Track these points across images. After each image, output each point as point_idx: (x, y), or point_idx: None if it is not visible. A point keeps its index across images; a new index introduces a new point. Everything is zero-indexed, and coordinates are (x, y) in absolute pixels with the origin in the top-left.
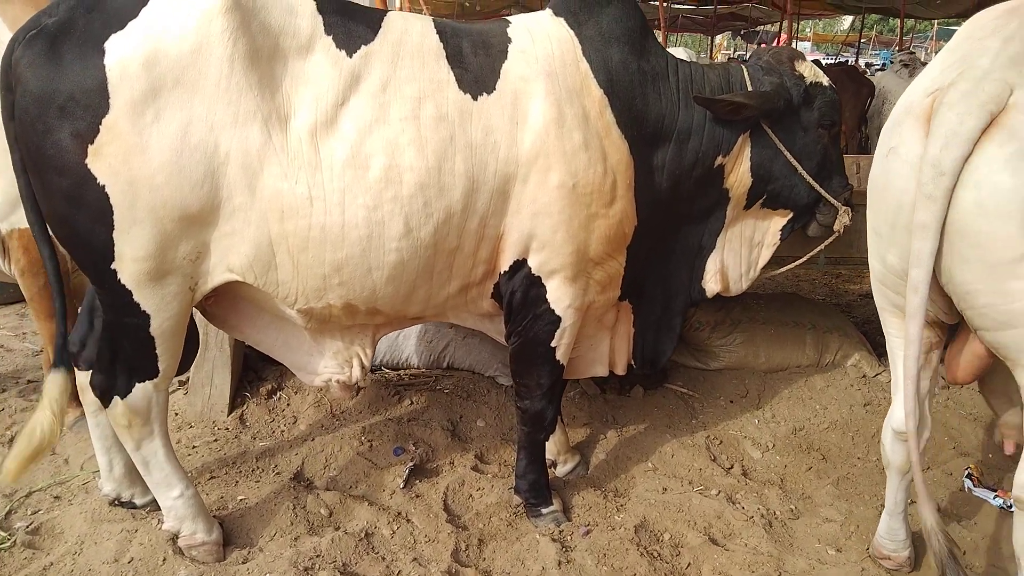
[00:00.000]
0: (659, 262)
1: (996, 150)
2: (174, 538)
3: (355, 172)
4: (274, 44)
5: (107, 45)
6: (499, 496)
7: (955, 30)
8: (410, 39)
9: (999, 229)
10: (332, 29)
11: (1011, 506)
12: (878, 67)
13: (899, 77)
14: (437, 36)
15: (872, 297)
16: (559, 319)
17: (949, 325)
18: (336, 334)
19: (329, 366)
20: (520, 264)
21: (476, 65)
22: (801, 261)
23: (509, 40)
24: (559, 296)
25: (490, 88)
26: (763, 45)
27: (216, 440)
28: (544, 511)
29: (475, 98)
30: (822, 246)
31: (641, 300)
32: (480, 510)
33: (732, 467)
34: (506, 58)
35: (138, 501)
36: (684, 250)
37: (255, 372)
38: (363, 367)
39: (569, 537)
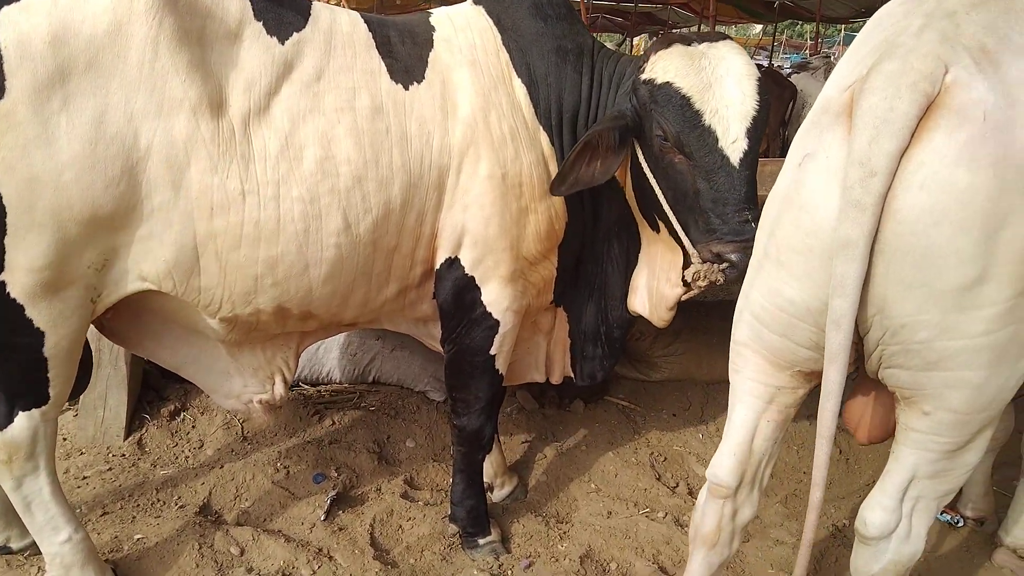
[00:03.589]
0: (592, 271)
1: (945, 140)
2: None
3: (290, 164)
4: (201, 27)
5: (1, 18)
6: (432, 526)
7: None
8: (340, 28)
9: (954, 243)
10: (262, 15)
11: (958, 522)
12: (788, 70)
13: (816, 79)
14: (365, 26)
15: None
16: (497, 323)
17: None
18: (257, 347)
19: (250, 385)
20: (453, 262)
21: (404, 55)
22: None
23: (433, 29)
24: (496, 299)
25: (419, 78)
26: None
27: (110, 469)
28: (481, 542)
29: (406, 88)
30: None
31: (576, 306)
32: (411, 543)
33: (678, 486)
34: (432, 47)
35: (14, 545)
36: (615, 261)
37: (155, 391)
38: (286, 383)
39: (509, 571)
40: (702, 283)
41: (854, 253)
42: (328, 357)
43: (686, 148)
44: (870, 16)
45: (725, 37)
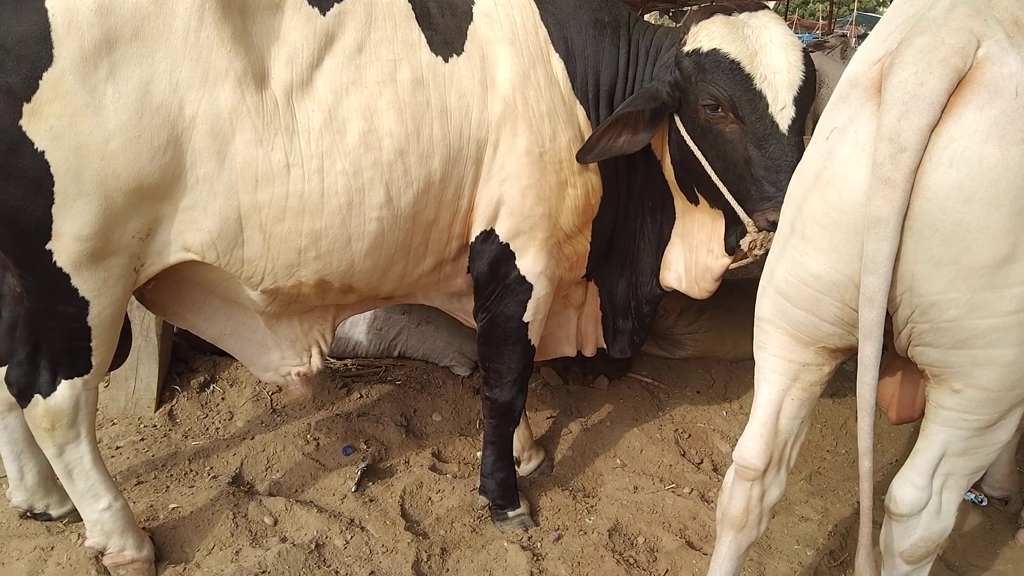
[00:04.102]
0: (624, 243)
1: (976, 115)
2: (98, 556)
3: (334, 137)
4: None
5: None
6: (461, 499)
7: (875, 16)
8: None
9: (983, 220)
10: None
11: (981, 501)
12: None
13: (833, 60)
14: None
15: None
16: (531, 288)
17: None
18: (294, 319)
19: (287, 357)
20: (489, 234)
21: (444, 27)
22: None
23: (472, 2)
24: (531, 264)
25: (459, 50)
26: None
27: (143, 439)
28: (511, 514)
29: (446, 60)
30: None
31: (608, 280)
32: (440, 515)
33: (702, 462)
34: (471, 20)
35: (54, 513)
36: (647, 236)
37: (185, 363)
38: (322, 355)
39: (539, 544)
40: (758, 251)
41: (885, 231)
42: (355, 331)
43: (740, 112)
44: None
45: (763, 6)
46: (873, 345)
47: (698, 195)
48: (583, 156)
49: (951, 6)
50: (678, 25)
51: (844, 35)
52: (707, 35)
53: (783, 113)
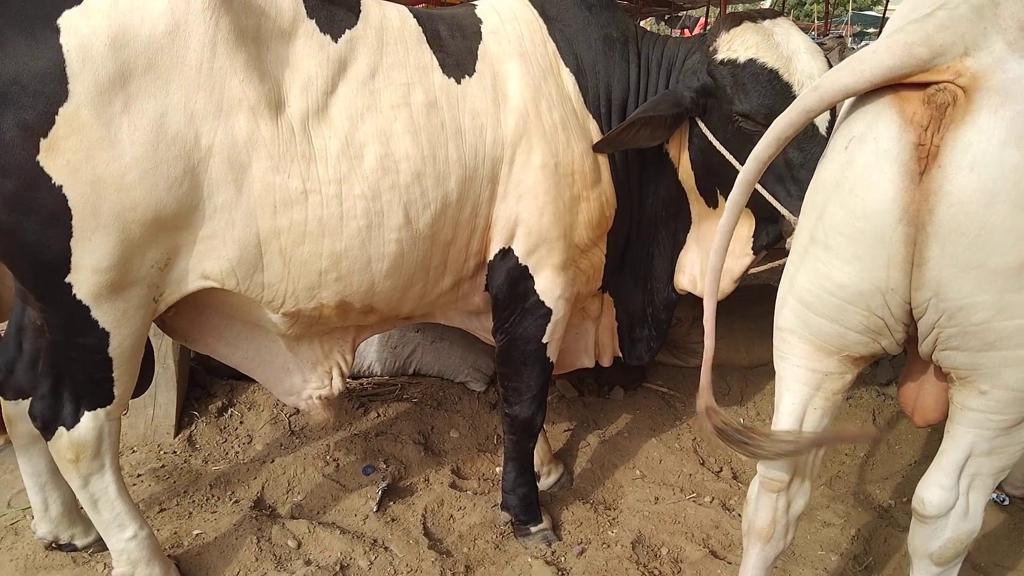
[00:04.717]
0: (637, 254)
1: (990, 119)
2: None
3: (351, 163)
4: (256, 25)
5: (62, 22)
6: (482, 515)
7: (869, 14)
8: (391, 24)
9: (1008, 222)
10: (314, 12)
11: (1004, 500)
12: None
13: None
14: (415, 20)
15: None
16: (550, 312)
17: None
18: (315, 341)
19: (309, 380)
20: (507, 252)
21: (455, 48)
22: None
23: (480, 22)
24: (549, 287)
25: (471, 71)
26: (685, 31)
27: (163, 466)
28: (533, 529)
29: (459, 82)
30: (763, 267)
31: (622, 291)
32: (463, 532)
33: (722, 470)
34: (481, 39)
35: (79, 543)
36: (660, 243)
37: (203, 388)
38: (343, 376)
39: (563, 558)
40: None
41: (814, 92)
42: (369, 350)
43: (756, 116)
44: None
45: (779, 14)
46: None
47: (719, 199)
48: (599, 146)
49: (955, 6)
50: (693, 34)
51: (840, 36)
52: (741, 44)
53: (821, 116)
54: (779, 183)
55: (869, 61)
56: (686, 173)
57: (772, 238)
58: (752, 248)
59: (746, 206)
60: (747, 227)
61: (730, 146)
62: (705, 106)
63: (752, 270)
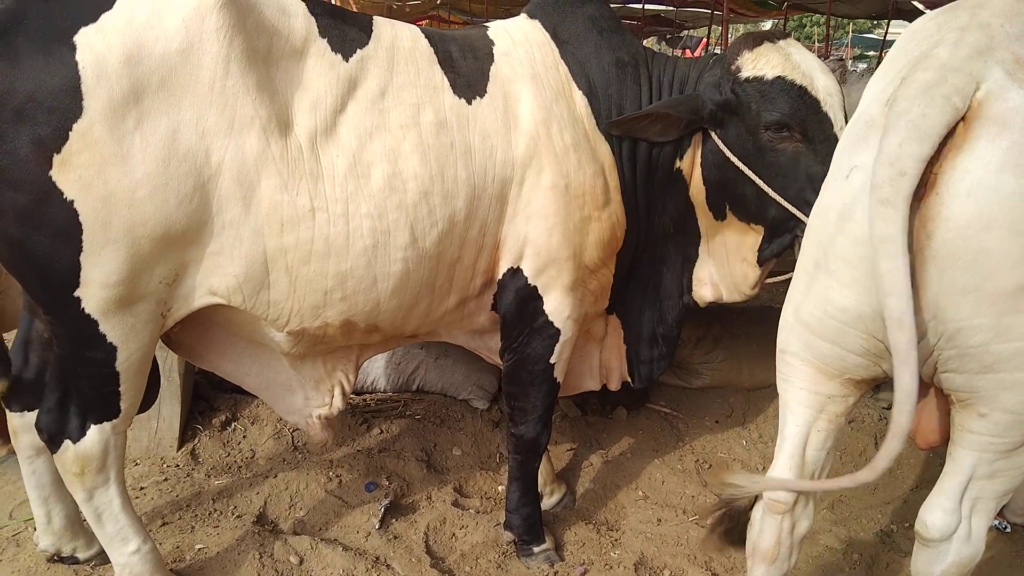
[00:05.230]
0: (645, 272)
1: (988, 147)
2: None
3: (358, 182)
4: (268, 45)
5: (78, 39)
6: (484, 534)
7: (869, 37)
8: (402, 44)
9: (1004, 247)
10: (327, 32)
11: (1005, 527)
12: None
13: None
14: (427, 41)
15: None
16: (558, 332)
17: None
18: (318, 360)
19: (311, 398)
20: (516, 272)
21: (466, 69)
22: (782, 278)
23: (492, 43)
24: (557, 308)
25: (482, 92)
26: (686, 51)
27: (166, 479)
28: (536, 550)
29: (469, 102)
30: (779, 278)
31: (630, 313)
32: (465, 551)
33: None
34: (492, 61)
35: (81, 555)
36: (668, 260)
37: (207, 401)
38: (344, 395)
39: None
40: None
41: (893, 248)
42: (373, 366)
43: (809, 133)
44: (880, 19)
45: (788, 34)
46: (909, 370)
47: (727, 212)
48: (612, 125)
49: (955, 46)
50: (695, 54)
51: (841, 59)
52: (767, 63)
53: (840, 132)
54: (800, 194)
55: (926, 126)
56: (697, 188)
57: (778, 251)
58: (759, 259)
59: (746, 222)
60: (751, 238)
61: (748, 161)
62: (722, 121)
63: (770, 280)
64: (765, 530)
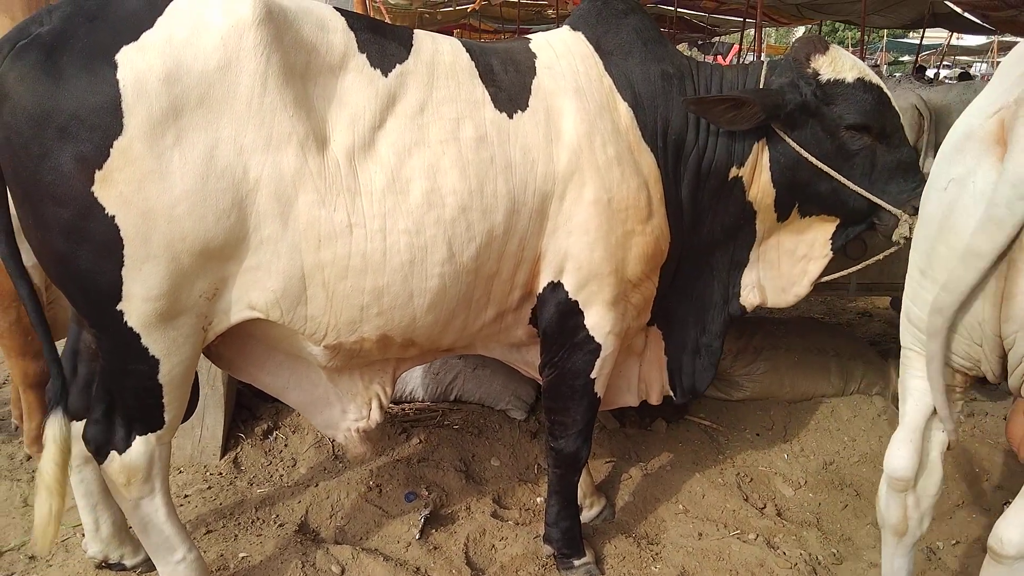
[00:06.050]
0: (688, 282)
1: None
2: None
3: (396, 198)
4: (306, 61)
5: (119, 58)
6: (524, 546)
7: (904, 42)
8: (443, 58)
9: None
10: (366, 47)
11: None
12: None
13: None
14: (468, 55)
15: (871, 316)
16: (599, 347)
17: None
18: (355, 373)
19: (349, 412)
20: (556, 286)
21: (508, 83)
22: (838, 275)
23: (534, 56)
24: (598, 322)
25: (523, 106)
26: (718, 57)
27: (209, 487)
28: (576, 563)
29: (511, 116)
30: (876, 257)
31: (672, 324)
32: (505, 563)
33: (765, 507)
34: (535, 74)
35: (128, 562)
36: (714, 268)
37: (249, 410)
38: (381, 408)
39: None
40: (906, 233)
41: (978, 264)
42: (411, 376)
43: (887, 128)
44: (916, 28)
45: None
46: (938, 341)
47: (793, 212)
48: (688, 104)
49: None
50: (728, 61)
51: (876, 64)
52: (843, 65)
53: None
54: (879, 183)
55: None
56: (762, 192)
57: (849, 238)
58: (832, 248)
59: (811, 216)
60: (814, 234)
61: (834, 158)
62: (796, 122)
63: (825, 278)
64: (891, 507)
